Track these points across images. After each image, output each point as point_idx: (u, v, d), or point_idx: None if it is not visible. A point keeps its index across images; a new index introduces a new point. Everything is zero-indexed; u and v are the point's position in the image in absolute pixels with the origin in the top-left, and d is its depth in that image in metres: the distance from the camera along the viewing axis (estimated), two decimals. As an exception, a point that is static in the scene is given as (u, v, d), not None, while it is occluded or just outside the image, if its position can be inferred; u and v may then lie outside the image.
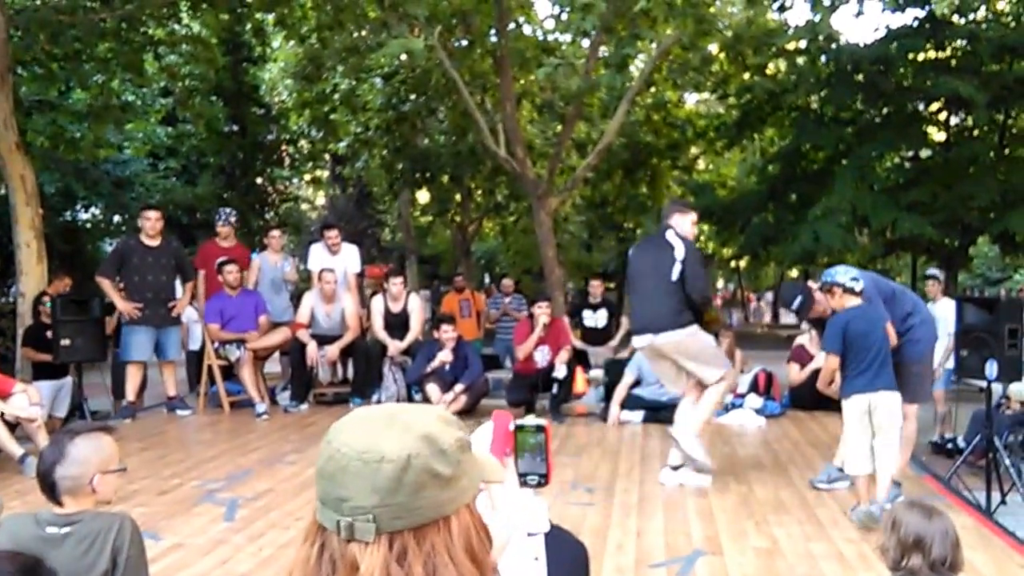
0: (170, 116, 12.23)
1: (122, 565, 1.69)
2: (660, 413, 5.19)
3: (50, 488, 1.76)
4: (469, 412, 5.25)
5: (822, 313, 3.56)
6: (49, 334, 5.32)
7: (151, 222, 5.36)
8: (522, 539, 1.11)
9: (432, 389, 5.24)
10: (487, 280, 19.52)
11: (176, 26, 8.23)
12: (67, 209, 11.12)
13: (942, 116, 10.63)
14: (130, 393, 5.30)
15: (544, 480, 1.09)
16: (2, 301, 10.16)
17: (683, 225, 3.72)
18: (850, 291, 3.23)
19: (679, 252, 3.58)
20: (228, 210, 6.32)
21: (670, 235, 3.64)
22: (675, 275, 3.56)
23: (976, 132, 10.16)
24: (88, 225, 11.83)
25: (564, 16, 7.78)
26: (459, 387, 5.21)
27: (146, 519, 2.94)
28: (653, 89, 11.85)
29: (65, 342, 5.10)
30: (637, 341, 3.77)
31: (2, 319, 9.15)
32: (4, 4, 6.18)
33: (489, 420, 1.51)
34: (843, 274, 3.30)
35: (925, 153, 10.78)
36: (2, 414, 3.82)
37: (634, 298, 3.84)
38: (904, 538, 1.67)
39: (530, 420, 1.09)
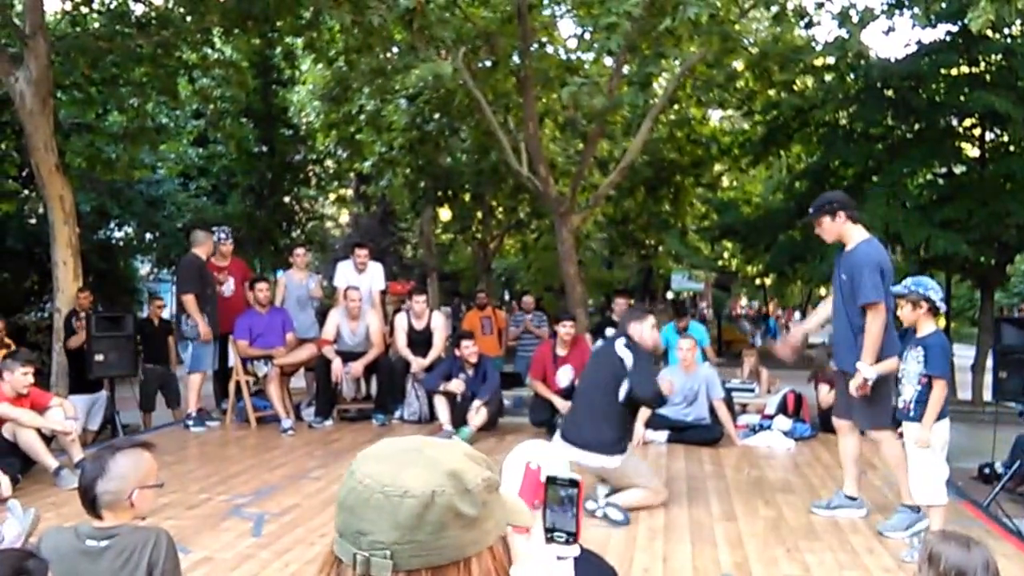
0: (202, 137, 12.57)
1: (157, 578, 1.72)
2: (685, 433, 5.13)
3: (91, 502, 1.81)
4: (490, 428, 5.26)
5: (832, 236, 3.35)
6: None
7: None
8: (552, 563, 1.09)
9: (439, 405, 5.26)
10: (507, 297, 19.52)
11: (209, 51, 8.47)
12: (101, 227, 11.43)
13: (976, 132, 10.40)
14: (196, 401, 5.52)
15: (572, 539, 1.00)
16: (39, 317, 10.44)
17: (640, 331, 3.62)
18: (933, 313, 2.96)
19: (628, 363, 3.51)
20: (224, 229, 6.28)
21: (619, 346, 3.58)
22: (622, 394, 3.49)
23: (1013, 148, 9.92)
24: (120, 243, 12.15)
25: (588, 36, 7.82)
26: (478, 402, 5.20)
27: (176, 533, 2.96)
28: (677, 106, 11.84)
29: (99, 357, 5.25)
30: (566, 452, 3.36)
31: (38, 334, 9.40)
32: (48, 31, 6.44)
33: (515, 445, 1.49)
34: (935, 292, 2.96)
35: (959, 169, 10.52)
36: (39, 428, 3.92)
37: (578, 405, 3.70)
38: (945, 572, 1.60)
39: (564, 473, 1.02)
